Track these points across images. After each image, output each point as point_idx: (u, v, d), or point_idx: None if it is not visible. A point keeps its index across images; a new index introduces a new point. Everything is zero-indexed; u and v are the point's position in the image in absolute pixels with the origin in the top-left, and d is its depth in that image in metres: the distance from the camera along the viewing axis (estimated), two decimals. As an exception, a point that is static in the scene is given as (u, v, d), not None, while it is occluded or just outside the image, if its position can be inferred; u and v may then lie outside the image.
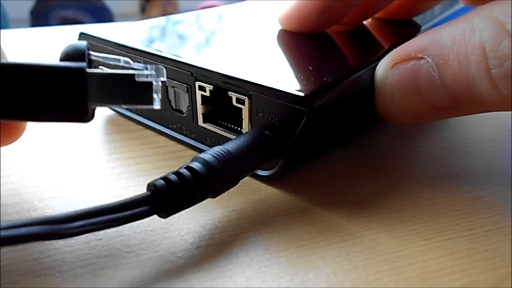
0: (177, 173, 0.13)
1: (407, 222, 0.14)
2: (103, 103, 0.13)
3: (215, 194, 0.13)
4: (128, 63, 0.14)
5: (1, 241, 0.10)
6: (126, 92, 0.13)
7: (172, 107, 0.18)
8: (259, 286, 0.12)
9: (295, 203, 0.15)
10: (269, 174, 0.16)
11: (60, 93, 0.12)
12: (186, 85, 0.17)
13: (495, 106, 0.14)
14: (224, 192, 0.14)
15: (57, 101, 0.12)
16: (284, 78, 0.15)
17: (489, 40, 0.14)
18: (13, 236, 0.10)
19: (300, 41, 0.19)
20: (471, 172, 0.17)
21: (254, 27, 0.22)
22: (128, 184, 0.16)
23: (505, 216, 0.14)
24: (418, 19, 0.24)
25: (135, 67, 0.13)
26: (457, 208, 0.15)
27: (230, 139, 0.15)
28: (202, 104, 0.17)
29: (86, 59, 0.13)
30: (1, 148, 0.16)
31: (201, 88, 0.16)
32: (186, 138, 0.18)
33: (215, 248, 0.13)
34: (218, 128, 0.17)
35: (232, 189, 0.14)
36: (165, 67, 0.17)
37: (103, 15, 1.41)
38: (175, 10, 1.62)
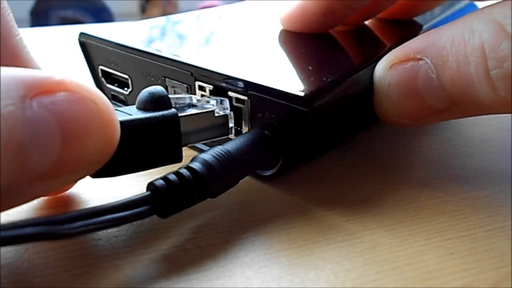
0: (177, 173, 0.13)
1: (407, 222, 0.14)
2: (190, 142, 0.15)
3: (215, 194, 0.13)
4: (198, 100, 0.15)
5: (2, 241, 0.10)
6: (207, 127, 0.15)
7: (172, 107, 0.18)
8: (259, 286, 0.12)
9: (295, 203, 0.15)
10: (269, 174, 0.16)
11: (159, 141, 0.13)
12: (186, 85, 0.17)
13: (493, 108, 0.14)
14: (224, 192, 0.14)
15: (157, 148, 0.13)
16: (284, 78, 0.15)
17: (488, 41, 0.14)
18: (13, 236, 0.10)
19: (300, 41, 0.19)
20: (471, 172, 0.17)
21: (254, 27, 0.22)
22: (128, 184, 0.16)
23: (505, 216, 0.14)
24: (418, 19, 0.24)
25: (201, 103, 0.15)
26: (457, 208, 0.15)
27: (230, 139, 0.15)
28: (202, 104, 0.17)
29: (172, 104, 0.14)
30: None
31: (201, 88, 0.16)
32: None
33: (215, 248, 0.13)
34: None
35: (232, 189, 0.14)
36: (165, 67, 0.17)
37: (103, 15, 1.41)
38: (175, 10, 1.62)
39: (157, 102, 0.13)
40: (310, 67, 0.16)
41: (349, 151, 0.18)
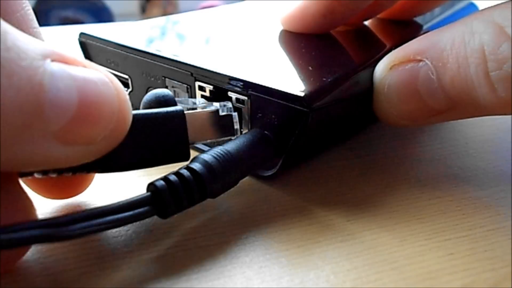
0: (177, 173, 0.13)
1: (407, 222, 0.14)
2: (196, 140, 0.15)
3: (215, 194, 0.13)
4: (203, 103, 0.15)
5: (3, 244, 0.10)
6: (212, 127, 0.15)
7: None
8: (259, 286, 0.12)
9: (295, 203, 0.15)
10: (269, 174, 0.16)
11: (165, 136, 0.13)
12: (186, 85, 0.17)
13: (492, 110, 0.14)
14: (224, 192, 0.14)
15: (164, 144, 0.13)
16: (284, 78, 0.15)
17: (488, 43, 0.14)
18: (14, 239, 0.10)
19: (300, 41, 0.19)
20: (471, 172, 0.17)
21: (254, 27, 0.22)
22: (128, 184, 0.16)
23: (505, 216, 0.15)
24: (418, 20, 0.24)
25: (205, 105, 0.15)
26: (457, 208, 0.15)
27: (230, 139, 0.15)
28: (202, 104, 0.17)
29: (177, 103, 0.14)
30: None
31: (201, 88, 0.16)
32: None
33: (215, 248, 0.13)
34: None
35: (232, 189, 0.14)
36: (165, 67, 0.17)
37: (103, 15, 1.41)
38: (175, 10, 1.62)
39: (162, 102, 0.14)
40: (310, 67, 0.16)
41: (349, 151, 0.18)
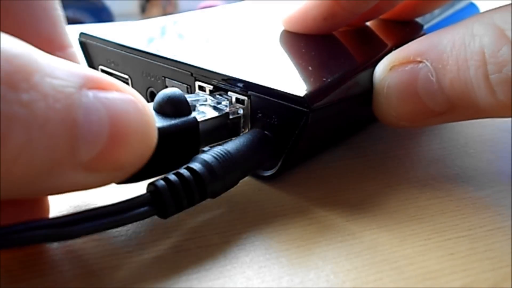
0: (177, 173, 0.13)
1: (407, 222, 0.14)
2: (205, 144, 0.15)
3: (214, 194, 0.13)
4: (212, 99, 0.16)
5: (3, 243, 0.10)
6: (221, 129, 0.15)
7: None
8: (259, 286, 0.12)
9: (295, 203, 0.15)
10: (269, 174, 0.16)
11: (179, 145, 0.14)
12: (186, 85, 0.17)
13: (491, 112, 0.15)
14: (224, 192, 0.14)
15: (176, 152, 0.14)
16: (284, 78, 0.15)
17: (489, 46, 0.14)
18: (16, 239, 0.10)
19: (300, 41, 0.19)
20: (471, 172, 0.17)
21: (254, 27, 0.22)
22: (128, 184, 0.16)
23: (505, 216, 0.15)
24: (418, 20, 0.24)
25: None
26: (457, 208, 0.15)
27: (230, 139, 0.15)
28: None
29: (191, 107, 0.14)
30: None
31: (201, 88, 0.16)
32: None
33: (215, 248, 0.13)
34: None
35: (232, 189, 0.14)
36: (165, 67, 0.17)
37: (103, 15, 1.41)
38: (175, 10, 1.62)
39: (177, 106, 0.14)
40: (310, 68, 0.16)
41: (349, 151, 0.18)
